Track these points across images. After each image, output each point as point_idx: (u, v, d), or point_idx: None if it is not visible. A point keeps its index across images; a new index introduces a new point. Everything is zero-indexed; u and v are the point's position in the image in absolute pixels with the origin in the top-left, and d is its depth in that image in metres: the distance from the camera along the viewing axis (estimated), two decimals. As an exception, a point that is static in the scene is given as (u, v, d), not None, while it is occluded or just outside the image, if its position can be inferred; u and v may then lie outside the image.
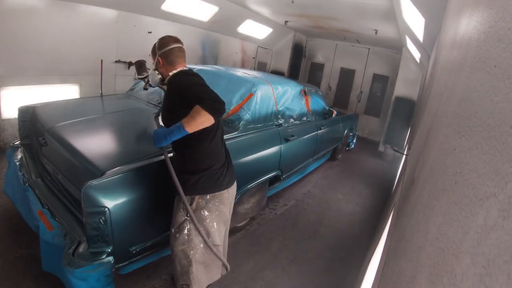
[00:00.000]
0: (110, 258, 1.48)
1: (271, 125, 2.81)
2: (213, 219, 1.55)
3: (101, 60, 4.09)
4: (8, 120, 3.45)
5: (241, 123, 2.44)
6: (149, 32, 4.59)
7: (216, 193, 1.54)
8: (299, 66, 8.39)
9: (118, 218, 1.49)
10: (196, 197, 1.52)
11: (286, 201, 3.48)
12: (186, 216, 1.51)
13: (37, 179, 2.08)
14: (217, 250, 1.59)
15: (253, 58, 7.70)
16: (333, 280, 2.30)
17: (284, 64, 7.91)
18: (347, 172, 4.86)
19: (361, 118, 6.95)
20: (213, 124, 1.38)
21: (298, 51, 8.08)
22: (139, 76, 2.00)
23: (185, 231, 1.51)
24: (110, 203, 1.46)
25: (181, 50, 1.58)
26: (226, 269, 1.81)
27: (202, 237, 1.51)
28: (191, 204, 1.51)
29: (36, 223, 1.74)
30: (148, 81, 1.70)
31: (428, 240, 0.60)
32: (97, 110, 2.59)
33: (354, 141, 5.86)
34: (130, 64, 4.45)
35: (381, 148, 6.25)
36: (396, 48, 6.57)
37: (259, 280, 2.17)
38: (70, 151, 1.78)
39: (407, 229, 0.94)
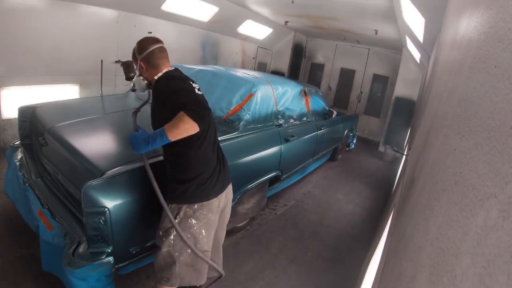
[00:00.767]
0: (110, 258, 1.48)
1: (271, 125, 2.81)
2: (201, 226, 1.51)
3: (101, 60, 4.10)
4: (8, 120, 3.45)
5: (241, 123, 2.44)
6: (149, 32, 4.58)
7: (204, 202, 1.50)
8: (299, 66, 8.39)
9: (118, 218, 1.49)
10: (184, 206, 1.47)
11: (286, 201, 3.48)
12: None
13: (37, 179, 2.08)
14: (204, 256, 1.54)
15: (253, 58, 7.70)
16: (333, 280, 2.30)
17: (284, 64, 7.91)
18: (347, 172, 4.86)
19: (361, 119, 6.94)
20: (200, 131, 1.32)
21: (298, 52, 8.08)
22: (127, 79, 1.76)
23: (171, 237, 1.47)
24: (110, 203, 1.45)
25: (161, 50, 1.50)
26: (221, 276, 1.76)
27: (189, 246, 1.47)
28: (178, 213, 1.47)
29: (36, 223, 1.74)
30: (134, 85, 1.59)
31: (428, 240, 0.60)
32: (97, 110, 2.58)
33: (354, 141, 5.86)
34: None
35: (381, 148, 6.25)
36: (396, 49, 6.57)
37: (259, 280, 2.17)
38: (70, 151, 1.78)
39: (407, 229, 0.94)
